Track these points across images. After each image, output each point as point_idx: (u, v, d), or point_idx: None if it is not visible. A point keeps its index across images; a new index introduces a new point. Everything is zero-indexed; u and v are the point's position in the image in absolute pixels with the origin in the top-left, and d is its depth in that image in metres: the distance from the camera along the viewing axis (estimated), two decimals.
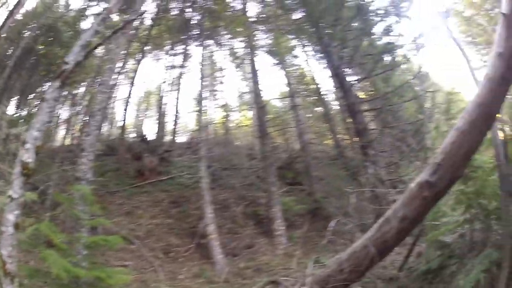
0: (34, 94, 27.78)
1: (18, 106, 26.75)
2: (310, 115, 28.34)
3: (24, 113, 25.18)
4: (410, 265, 9.45)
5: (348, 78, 18.39)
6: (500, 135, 7.08)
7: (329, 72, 20.93)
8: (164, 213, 16.86)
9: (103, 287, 6.54)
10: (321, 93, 25.09)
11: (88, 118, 14.65)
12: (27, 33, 24.16)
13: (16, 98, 26.70)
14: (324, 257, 10.22)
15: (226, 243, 14.54)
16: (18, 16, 20.62)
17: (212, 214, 14.47)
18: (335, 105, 26.77)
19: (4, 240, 5.34)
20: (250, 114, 33.21)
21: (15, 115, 23.71)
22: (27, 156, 5.48)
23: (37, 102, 27.19)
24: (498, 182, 6.85)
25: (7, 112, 22.71)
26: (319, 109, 27.11)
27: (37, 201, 7.91)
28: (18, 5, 6.78)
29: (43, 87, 27.30)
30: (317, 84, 25.83)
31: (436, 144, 10.84)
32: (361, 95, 22.78)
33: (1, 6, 24.73)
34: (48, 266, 6.26)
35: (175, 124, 29.85)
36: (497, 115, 6.24)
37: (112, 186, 18.60)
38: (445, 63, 45.58)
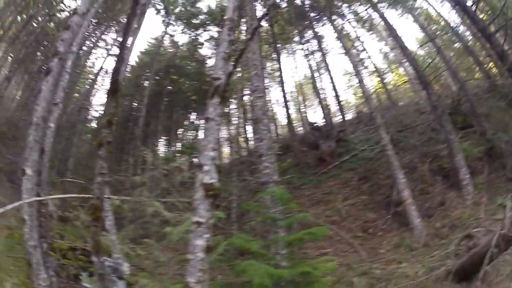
0: (182, 129, 29.60)
1: (168, 144, 28.69)
2: (452, 53, 26.89)
3: (176, 148, 26.88)
4: None
5: (468, 3, 17.17)
6: None
7: (450, 3, 19.92)
8: (355, 191, 16.82)
9: (308, 281, 6.46)
10: (453, 27, 23.76)
11: (254, 126, 15.19)
12: (143, 83, 25.83)
13: (162, 138, 28.69)
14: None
15: (420, 206, 14.03)
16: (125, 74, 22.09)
17: (404, 179, 14.07)
18: (469, 36, 25.30)
19: (192, 267, 5.15)
20: (401, 70, 32.44)
21: (168, 153, 25.31)
22: (208, 177, 5.51)
23: (190, 133, 29.02)
24: None
25: (158, 153, 24.47)
26: (457, 45, 25.67)
27: (223, 218, 8.15)
28: (122, 63, 7.06)
29: (189, 118, 29.09)
30: (445, 20, 24.60)
31: None
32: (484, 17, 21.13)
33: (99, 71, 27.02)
34: (243, 277, 6.40)
35: (338, 104, 30.25)
36: None
37: (296, 181, 18.91)
38: None
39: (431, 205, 14.38)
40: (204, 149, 5.54)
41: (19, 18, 23.98)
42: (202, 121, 28.64)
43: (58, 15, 24.73)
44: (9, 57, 25.82)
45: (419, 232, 12.62)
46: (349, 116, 32.68)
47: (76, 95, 29.93)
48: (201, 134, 29.49)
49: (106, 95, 8.07)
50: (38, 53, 26.23)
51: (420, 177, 15.91)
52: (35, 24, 23.87)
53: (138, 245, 10.00)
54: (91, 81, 30.92)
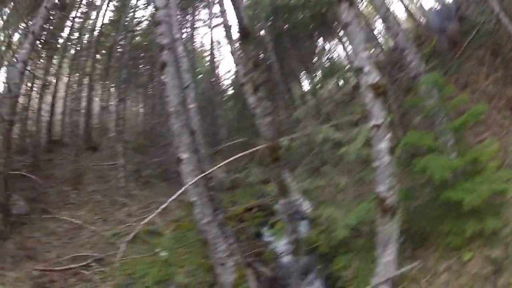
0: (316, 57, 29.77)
1: (310, 76, 28.94)
2: None
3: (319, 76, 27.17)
4: None
5: None
6: None
7: None
8: (491, 68, 16.18)
9: (476, 169, 6.43)
10: None
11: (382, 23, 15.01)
12: (259, 35, 25.95)
13: (302, 73, 28.97)
14: None
15: None
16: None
17: None
18: None
19: (380, 174, 5.25)
20: None
21: (313, 82, 25.74)
22: (372, 77, 5.42)
23: (325, 58, 29.12)
24: None
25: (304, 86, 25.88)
26: None
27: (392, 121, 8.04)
28: (239, 9, 7.06)
29: (318, 45, 29.13)
30: None
31: None
32: None
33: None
34: (420, 178, 6.43)
35: None
36: None
37: (438, 69, 18.54)
38: None
39: None
40: (356, 52, 5.51)
41: (98, 56, 25.47)
42: (332, 42, 29.32)
43: (138, 28, 25.93)
44: (110, 89, 27.66)
45: None
46: None
47: (201, 75, 31.96)
48: (337, 54, 30.19)
49: (239, 44, 8.14)
50: (140, 66, 27.35)
51: None
52: (120, 49, 24.88)
53: (314, 178, 10.11)
54: (209, 57, 32.50)
